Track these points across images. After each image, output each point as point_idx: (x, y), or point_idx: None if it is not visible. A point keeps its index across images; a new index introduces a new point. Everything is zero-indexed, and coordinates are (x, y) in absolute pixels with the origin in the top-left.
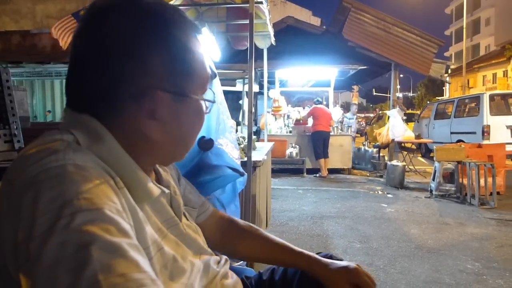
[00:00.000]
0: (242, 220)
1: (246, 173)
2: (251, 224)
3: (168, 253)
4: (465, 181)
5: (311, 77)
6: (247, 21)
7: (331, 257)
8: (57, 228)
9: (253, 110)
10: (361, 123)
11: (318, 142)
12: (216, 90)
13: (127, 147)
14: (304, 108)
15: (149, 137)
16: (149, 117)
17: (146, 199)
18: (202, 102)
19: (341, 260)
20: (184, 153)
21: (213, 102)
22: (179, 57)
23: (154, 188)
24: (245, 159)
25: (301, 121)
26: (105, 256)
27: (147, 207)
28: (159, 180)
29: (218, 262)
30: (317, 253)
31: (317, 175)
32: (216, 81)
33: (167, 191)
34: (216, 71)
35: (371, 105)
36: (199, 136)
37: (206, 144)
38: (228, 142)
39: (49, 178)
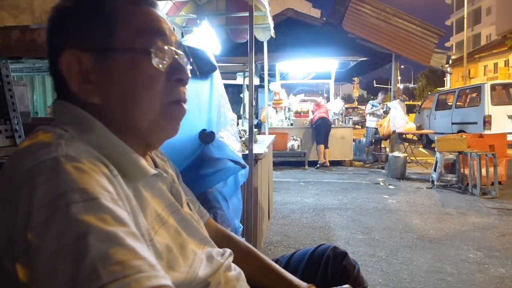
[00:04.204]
0: (241, 239)
1: (247, 166)
2: (248, 245)
3: (160, 243)
4: (466, 171)
5: (312, 69)
6: (247, 14)
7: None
8: (54, 220)
9: (254, 103)
10: (362, 114)
11: (322, 128)
12: (216, 83)
13: (115, 130)
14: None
15: (97, 105)
16: (86, 83)
17: (141, 178)
18: (144, 52)
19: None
20: (145, 117)
21: (163, 48)
22: (87, 8)
23: (149, 167)
24: (247, 152)
25: (301, 113)
26: (102, 245)
27: (145, 193)
28: (155, 166)
29: (222, 255)
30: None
31: (318, 165)
32: (217, 74)
33: (164, 174)
34: (216, 64)
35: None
36: (200, 128)
37: (207, 137)
38: (229, 135)
39: (43, 171)
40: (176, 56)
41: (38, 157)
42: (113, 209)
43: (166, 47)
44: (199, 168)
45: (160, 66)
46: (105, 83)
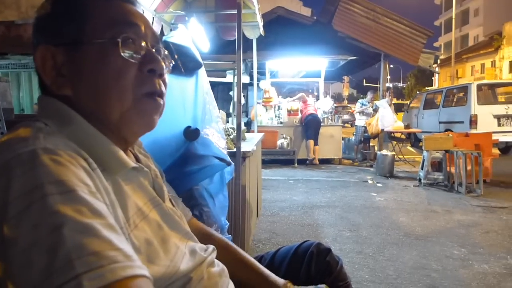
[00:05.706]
0: (221, 237)
1: (233, 163)
2: (228, 241)
3: (139, 237)
4: (452, 170)
5: (302, 68)
6: (235, 11)
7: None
8: (30, 211)
9: (243, 101)
10: (352, 113)
11: (312, 124)
12: (202, 80)
13: (95, 124)
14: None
15: (68, 97)
16: (59, 76)
17: (121, 169)
18: (111, 43)
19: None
20: (116, 109)
21: (133, 39)
22: (61, 6)
23: (128, 160)
24: (235, 149)
25: (291, 111)
26: (77, 236)
27: (126, 187)
28: (137, 161)
29: (205, 250)
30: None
31: (307, 162)
32: (202, 71)
33: (145, 169)
34: (201, 61)
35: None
36: (185, 125)
37: (192, 134)
38: (214, 132)
39: (20, 164)
40: (151, 48)
41: (16, 150)
42: (90, 201)
43: (136, 38)
44: (184, 165)
45: (128, 55)
46: (76, 76)
